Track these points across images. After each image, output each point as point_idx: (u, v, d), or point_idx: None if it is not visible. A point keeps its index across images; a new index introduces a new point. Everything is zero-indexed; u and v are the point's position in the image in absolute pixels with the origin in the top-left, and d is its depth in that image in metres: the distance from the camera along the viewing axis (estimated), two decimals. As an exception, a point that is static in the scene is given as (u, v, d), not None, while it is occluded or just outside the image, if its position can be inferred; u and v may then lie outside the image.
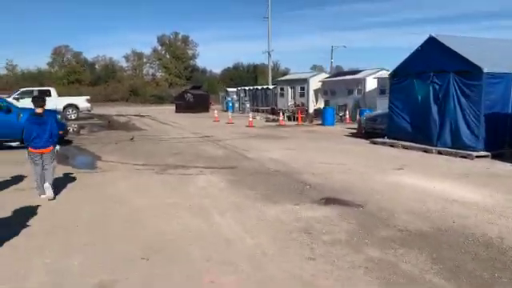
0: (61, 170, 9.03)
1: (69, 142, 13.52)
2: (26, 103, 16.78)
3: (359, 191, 6.98)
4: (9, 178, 7.96)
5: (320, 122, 21.78)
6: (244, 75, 72.66)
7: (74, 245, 4.54)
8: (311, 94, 28.52)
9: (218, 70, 79.36)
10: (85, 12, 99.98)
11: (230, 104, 34.80)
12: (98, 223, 5.31)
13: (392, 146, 12.67)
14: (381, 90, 23.53)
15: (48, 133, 6.57)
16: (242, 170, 8.94)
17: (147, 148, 12.63)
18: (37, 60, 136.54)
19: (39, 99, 6.77)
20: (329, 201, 6.36)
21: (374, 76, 23.75)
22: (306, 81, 29.08)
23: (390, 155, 11.11)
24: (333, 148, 12.55)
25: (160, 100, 59.14)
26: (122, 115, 30.22)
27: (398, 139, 12.79)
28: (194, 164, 9.78)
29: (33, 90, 24.99)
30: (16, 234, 4.88)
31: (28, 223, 5.26)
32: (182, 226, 5.17)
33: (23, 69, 67.72)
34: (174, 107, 36.92)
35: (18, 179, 7.87)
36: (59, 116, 12.74)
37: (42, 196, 6.55)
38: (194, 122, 24.12)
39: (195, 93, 35.87)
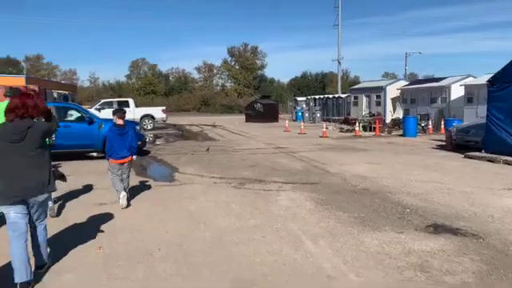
0: (140, 182, 8.92)
1: (146, 153, 13.62)
2: (107, 114, 17.39)
3: (471, 217, 5.97)
4: (89, 191, 7.93)
5: (400, 133, 20.38)
6: (312, 84, 71.80)
7: (159, 274, 4.10)
8: (388, 102, 27.05)
9: (285, 80, 79.35)
10: (160, 27, 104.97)
11: (300, 113, 34.15)
12: (181, 247, 4.88)
13: (491, 161, 11.24)
14: (468, 99, 21.67)
15: (128, 144, 6.70)
16: (326, 187, 8.22)
17: (222, 159, 12.32)
18: (116, 73, 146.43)
19: (120, 111, 6.91)
20: (438, 229, 5.45)
21: (460, 83, 21.94)
22: (382, 89, 27.67)
23: (492, 172, 9.78)
24: (423, 163, 11.39)
25: (229, 110, 60.05)
26: (195, 125, 30.73)
27: (498, 153, 11.34)
28: (271, 178, 9.22)
29: (112, 101, 26.16)
30: (97, 257, 4.57)
31: (110, 244, 4.96)
32: (272, 255, 4.57)
33: (104, 81, 72.38)
34: (243, 117, 37.05)
35: (98, 192, 7.80)
36: (138, 127, 12.87)
37: (120, 203, 6.63)
38: (265, 132, 23.75)
39: (265, 102, 35.67)
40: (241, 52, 73.98)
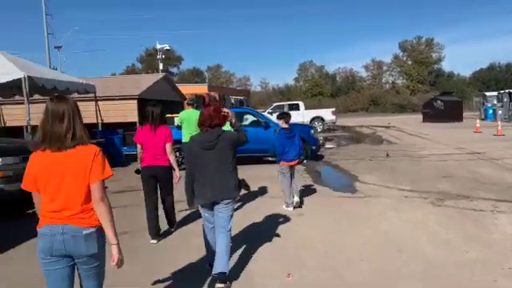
0: (318, 191, 8.26)
1: (320, 157, 13.00)
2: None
3: None
4: (262, 197, 7.56)
5: None
6: (501, 77, 62.23)
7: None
8: None
9: (466, 73, 70.64)
10: (327, 28, 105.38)
11: (491, 111, 29.42)
12: (380, 284, 3.91)
13: None
14: None
15: (296, 147, 6.82)
16: None
17: (407, 167, 10.85)
18: (285, 77, 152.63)
19: (285, 115, 7.05)
20: None
21: None
22: None
23: None
24: None
25: (401, 109, 56.23)
26: (365, 126, 29.20)
27: None
28: (477, 194, 7.49)
29: (284, 105, 26.60)
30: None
31: (298, 268, 4.30)
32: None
33: (274, 85, 75.87)
34: (418, 116, 33.86)
35: (272, 200, 7.36)
36: (312, 131, 12.32)
37: (288, 208, 6.73)
38: (449, 133, 20.83)
39: (446, 99, 31.78)
40: (414, 46, 68.67)
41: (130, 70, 64.48)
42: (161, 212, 5.69)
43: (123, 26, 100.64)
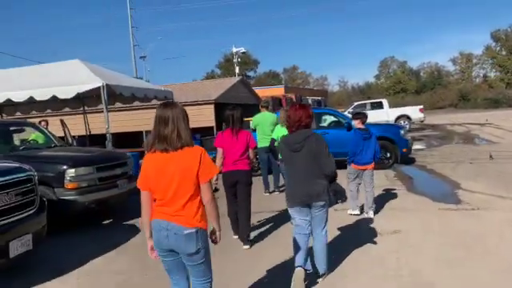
0: (414, 201, 7.21)
1: (412, 161, 11.72)
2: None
3: None
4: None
5: None
6: None
7: None
8: None
9: None
10: (409, 21, 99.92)
11: None
12: None
13: None
14: None
15: (372, 149, 6.28)
16: None
17: (520, 171, 9.28)
18: (365, 74, 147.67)
19: (360, 114, 6.68)
20: None
21: None
22: None
23: None
24: None
25: (495, 104, 51.12)
26: (456, 124, 26.67)
27: None
28: None
29: (365, 103, 25.16)
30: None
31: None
32: None
33: (353, 83, 73.54)
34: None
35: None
36: (402, 131, 11.08)
37: (354, 212, 6.38)
38: (563, 130, 18.12)
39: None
40: (508, 35, 62.29)
41: (209, 77, 66.17)
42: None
43: (202, 34, 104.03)
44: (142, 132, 16.90)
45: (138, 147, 13.41)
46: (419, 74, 68.66)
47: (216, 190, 5.09)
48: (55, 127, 10.29)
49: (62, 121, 9.55)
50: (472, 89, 58.22)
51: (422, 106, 24.63)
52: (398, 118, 23.50)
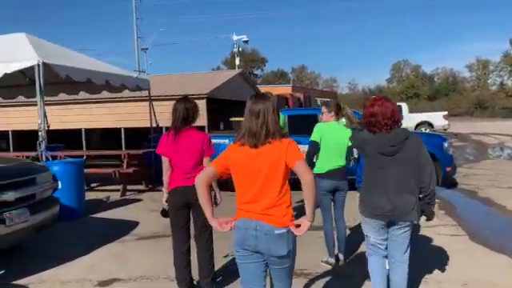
0: (477, 252, 4.52)
1: (452, 183, 8.99)
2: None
3: None
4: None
5: None
6: None
7: None
8: None
9: None
10: (424, 25, 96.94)
11: None
12: None
13: None
14: None
15: None
16: None
17: None
18: (376, 77, 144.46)
19: None
20: None
21: None
22: None
23: None
24: None
25: (513, 113, 48.27)
26: (480, 134, 23.86)
27: None
28: None
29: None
30: None
31: None
32: None
33: (364, 86, 70.93)
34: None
35: None
36: (446, 144, 8.35)
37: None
38: None
39: None
40: (529, 42, 59.32)
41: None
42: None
43: (208, 29, 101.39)
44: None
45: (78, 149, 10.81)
46: (433, 80, 65.88)
47: (165, 212, 3.87)
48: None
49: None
50: (489, 96, 55.45)
51: (446, 113, 21.91)
52: (419, 124, 20.82)
